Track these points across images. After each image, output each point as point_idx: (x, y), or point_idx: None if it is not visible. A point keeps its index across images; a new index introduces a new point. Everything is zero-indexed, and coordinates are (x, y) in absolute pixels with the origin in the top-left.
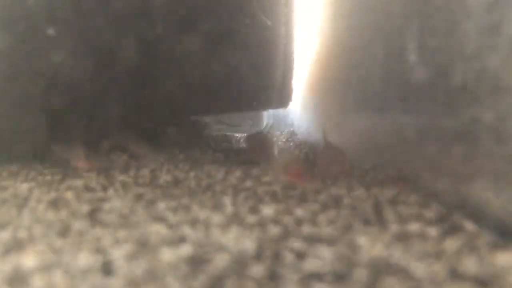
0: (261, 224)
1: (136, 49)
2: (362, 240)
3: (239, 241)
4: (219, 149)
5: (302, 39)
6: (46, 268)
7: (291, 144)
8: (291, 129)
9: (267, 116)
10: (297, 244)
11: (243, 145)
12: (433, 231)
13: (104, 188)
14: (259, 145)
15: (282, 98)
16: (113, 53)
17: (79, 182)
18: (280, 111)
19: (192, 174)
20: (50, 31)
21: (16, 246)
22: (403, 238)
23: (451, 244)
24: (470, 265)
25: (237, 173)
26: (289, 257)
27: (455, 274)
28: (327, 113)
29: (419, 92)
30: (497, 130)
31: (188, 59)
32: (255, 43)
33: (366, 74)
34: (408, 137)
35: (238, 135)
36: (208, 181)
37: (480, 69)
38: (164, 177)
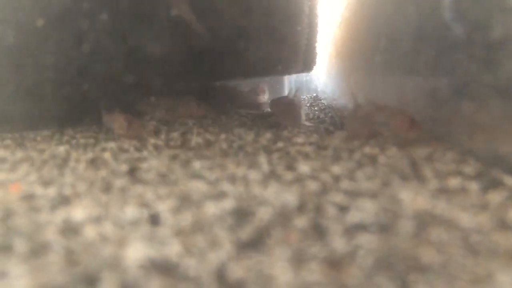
0: (299, 180)
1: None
2: (403, 194)
3: (280, 195)
4: (244, 114)
5: (326, 2)
6: (95, 220)
7: (316, 108)
8: (315, 94)
9: (289, 82)
10: (338, 197)
11: (268, 109)
12: (473, 186)
13: (138, 150)
14: (285, 109)
15: (306, 62)
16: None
17: (112, 145)
18: (303, 76)
19: (223, 136)
20: None
21: (63, 201)
22: (443, 192)
23: (494, 197)
24: None
25: (268, 135)
26: (331, 210)
27: (503, 224)
28: (353, 77)
29: (455, 50)
30: None
31: (214, 23)
32: (281, 6)
33: (395, 36)
34: (442, 96)
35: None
36: (239, 142)
37: None
38: (195, 140)
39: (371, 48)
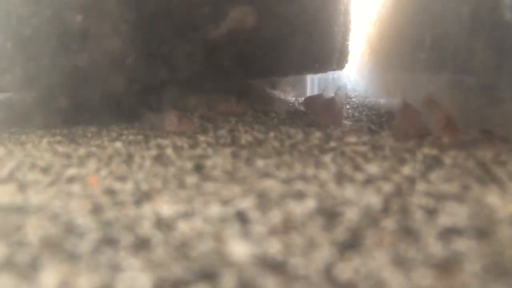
0: (371, 181)
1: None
2: (489, 198)
3: (360, 196)
4: (278, 111)
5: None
6: (184, 216)
7: (348, 107)
8: (344, 92)
9: (312, 79)
10: (421, 200)
11: (300, 107)
12: None
13: (192, 147)
14: (324, 107)
15: (340, 60)
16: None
17: (166, 142)
18: (331, 74)
19: (272, 134)
20: None
21: (144, 196)
22: None
23: None
24: None
25: (317, 134)
26: (419, 213)
27: None
28: (391, 75)
29: None
30: None
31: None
32: (319, 5)
33: (444, 34)
34: (502, 96)
35: (293, 98)
36: (291, 141)
37: None
38: (245, 138)
39: (413, 46)
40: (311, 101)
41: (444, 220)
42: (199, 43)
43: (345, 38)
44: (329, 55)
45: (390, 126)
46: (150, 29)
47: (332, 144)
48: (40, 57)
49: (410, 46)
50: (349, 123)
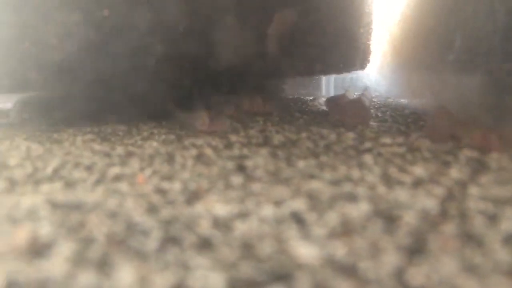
0: (420, 184)
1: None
2: None
3: (415, 199)
4: (300, 111)
5: (381, 1)
6: (239, 216)
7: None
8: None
9: (327, 79)
10: (479, 204)
11: (322, 107)
12: None
13: (227, 147)
14: (351, 108)
15: (363, 60)
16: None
17: (199, 141)
18: (350, 73)
19: (304, 134)
20: None
21: (194, 196)
22: None
23: None
24: None
25: (350, 134)
26: (479, 218)
27: None
28: (416, 76)
29: None
30: None
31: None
32: (346, 6)
33: (476, 33)
34: None
35: (309, 97)
36: (324, 142)
37: None
38: (276, 138)
39: (441, 46)
40: (334, 101)
41: (507, 225)
42: (228, 44)
43: (368, 38)
44: (353, 55)
45: (420, 127)
46: (179, 28)
47: (367, 145)
48: (68, 56)
49: (438, 46)
50: (375, 123)
